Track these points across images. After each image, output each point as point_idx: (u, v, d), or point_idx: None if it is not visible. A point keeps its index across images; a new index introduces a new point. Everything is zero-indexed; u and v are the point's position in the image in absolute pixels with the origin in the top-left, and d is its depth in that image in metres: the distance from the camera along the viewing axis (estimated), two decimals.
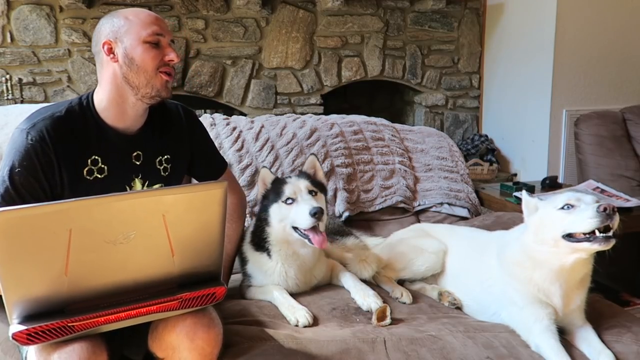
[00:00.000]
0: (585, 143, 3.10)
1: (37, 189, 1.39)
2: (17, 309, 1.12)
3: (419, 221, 2.40)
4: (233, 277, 1.88)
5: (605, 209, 1.43)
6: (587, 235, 1.45)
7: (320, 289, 1.83)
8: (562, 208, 1.51)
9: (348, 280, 1.81)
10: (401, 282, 1.90)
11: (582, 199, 1.51)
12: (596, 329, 1.57)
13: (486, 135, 4.25)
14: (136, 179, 1.52)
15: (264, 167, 1.92)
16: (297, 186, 1.71)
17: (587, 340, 1.53)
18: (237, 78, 3.88)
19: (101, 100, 1.48)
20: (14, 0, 3.46)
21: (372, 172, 2.47)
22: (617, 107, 3.35)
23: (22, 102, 3.47)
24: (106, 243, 1.12)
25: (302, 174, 1.80)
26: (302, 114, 3.18)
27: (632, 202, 2.46)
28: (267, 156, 2.32)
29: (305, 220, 1.63)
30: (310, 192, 1.71)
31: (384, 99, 4.72)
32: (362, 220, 2.39)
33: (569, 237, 1.48)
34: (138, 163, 1.52)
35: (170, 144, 1.60)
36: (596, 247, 1.45)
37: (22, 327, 1.12)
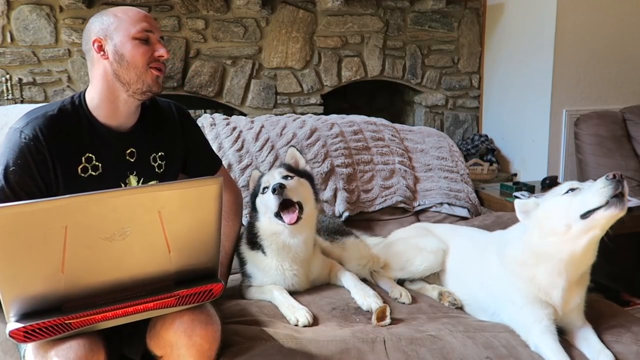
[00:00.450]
0: (585, 143, 3.10)
1: (32, 188, 1.39)
2: (14, 306, 1.12)
3: (418, 221, 2.40)
4: (232, 277, 1.88)
5: (614, 176, 1.39)
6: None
7: (320, 289, 1.83)
8: (566, 193, 1.49)
9: (348, 280, 1.81)
10: (401, 282, 1.90)
11: (581, 184, 1.49)
12: (596, 329, 1.56)
13: (486, 135, 4.25)
14: (131, 176, 1.53)
15: (254, 169, 1.95)
16: (271, 175, 1.76)
17: (587, 340, 1.52)
18: (237, 78, 3.88)
19: (93, 98, 1.49)
20: (14, 0, 3.45)
21: (372, 172, 2.47)
22: (617, 107, 3.35)
23: (22, 102, 3.47)
24: (102, 240, 1.12)
25: (282, 165, 1.84)
26: (302, 114, 3.18)
27: (632, 202, 2.46)
28: (267, 156, 2.32)
29: (272, 201, 1.65)
30: (284, 177, 1.73)
31: (384, 99, 4.71)
32: (362, 220, 2.39)
33: (583, 217, 1.43)
34: (132, 160, 1.53)
35: (164, 141, 1.61)
36: (612, 211, 1.39)
37: (19, 325, 1.12)
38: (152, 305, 1.23)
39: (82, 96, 1.51)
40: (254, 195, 1.80)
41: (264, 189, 1.73)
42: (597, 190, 1.41)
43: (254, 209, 1.80)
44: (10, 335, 1.13)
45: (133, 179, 1.53)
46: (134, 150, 1.54)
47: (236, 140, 2.35)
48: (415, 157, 2.60)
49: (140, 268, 1.21)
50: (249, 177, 2.25)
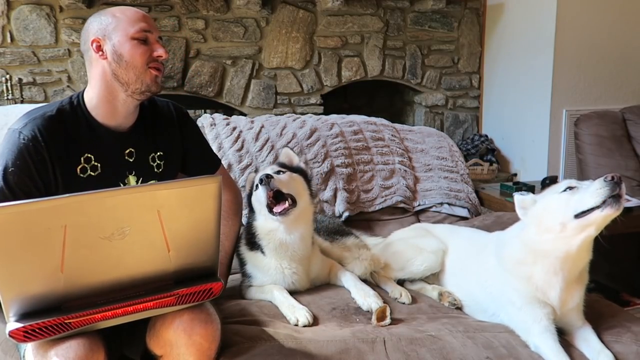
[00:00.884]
0: (585, 143, 3.10)
1: (32, 188, 1.39)
2: (13, 306, 1.12)
3: (419, 221, 2.40)
4: (232, 277, 1.88)
5: (612, 178, 1.39)
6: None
7: (320, 289, 1.83)
8: (564, 191, 1.49)
9: (348, 280, 1.81)
10: (401, 282, 1.90)
11: (580, 183, 1.49)
12: (596, 329, 1.56)
13: (486, 135, 4.25)
14: (130, 176, 1.53)
15: (250, 173, 1.95)
16: (263, 171, 1.75)
17: (587, 340, 1.52)
18: (237, 78, 3.88)
19: (91, 98, 1.49)
20: (14, 0, 3.46)
21: (372, 172, 2.47)
22: (617, 107, 3.35)
23: (22, 102, 3.47)
24: (101, 239, 1.12)
25: (275, 163, 1.85)
26: (302, 114, 3.18)
27: (632, 202, 2.46)
28: (267, 156, 2.32)
29: (261, 193, 1.67)
30: (277, 172, 1.74)
31: (384, 99, 4.72)
32: (362, 220, 2.39)
33: (578, 216, 1.43)
34: (131, 160, 1.53)
35: (163, 141, 1.61)
36: (607, 211, 1.38)
37: (19, 325, 1.12)
38: (151, 304, 1.23)
39: (80, 96, 1.51)
40: (249, 195, 1.81)
41: (256, 185, 1.73)
42: (594, 191, 1.42)
43: (251, 210, 1.80)
44: (9, 335, 1.13)
45: (132, 179, 1.53)
46: (132, 150, 1.54)
47: (236, 140, 2.35)
48: (415, 157, 2.60)
49: (139, 267, 1.21)
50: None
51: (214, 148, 2.20)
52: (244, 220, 1.90)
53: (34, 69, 3.54)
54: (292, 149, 1.94)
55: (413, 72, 4.23)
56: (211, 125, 2.42)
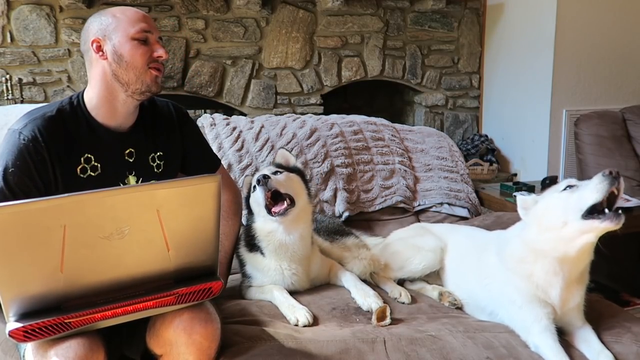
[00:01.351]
0: (585, 143, 3.10)
1: (32, 189, 1.39)
2: (13, 306, 1.12)
3: (419, 221, 2.40)
4: (232, 277, 1.88)
5: (610, 172, 1.39)
6: (598, 216, 1.40)
7: (320, 289, 1.83)
8: (564, 190, 1.49)
9: (348, 280, 1.81)
10: (401, 282, 1.90)
11: (580, 182, 1.50)
12: (596, 329, 1.56)
13: (486, 135, 4.25)
14: (130, 176, 1.53)
15: (246, 176, 1.95)
16: (261, 172, 1.75)
17: (587, 340, 1.52)
18: (237, 78, 3.88)
19: (91, 98, 1.49)
20: (14, 0, 3.46)
21: (372, 172, 2.47)
22: (617, 107, 3.35)
23: (22, 102, 3.47)
24: (101, 239, 1.12)
25: (271, 163, 1.85)
26: (302, 114, 3.18)
27: (632, 202, 2.46)
28: (267, 156, 2.32)
29: (259, 193, 1.67)
30: (274, 173, 1.74)
31: (384, 99, 4.72)
32: (362, 220, 2.39)
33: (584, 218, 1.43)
34: (131, 160, 1.53)
35: (162, 141, 1.61)
36: (607, 224, 1.39)
37: (19, 325, 1.12)
38: (151, 303, 1.23)
39: (80, 96, 1.51)
40: (247, 197, 1.80)
41: (254, 187, 1.73)
42: (594, 187, 1.42)
43: (249, 212, 1.80)
44: (9, 335, 1.13)
45: (132, 179, 1.53)
46: (132, 150, 1.54)
47: (236, 140, 2.35)
48: (415, 157, 2.60)
49: (139, 267, 1.21)
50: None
51: (214, 148, 2.20)
52: (244, 221, 1.90)
53: (34, 69, 3.54)
54: (288, 149, 1.94)
55: (413, 72, 4.23)
56: (211, 125, 2.42)
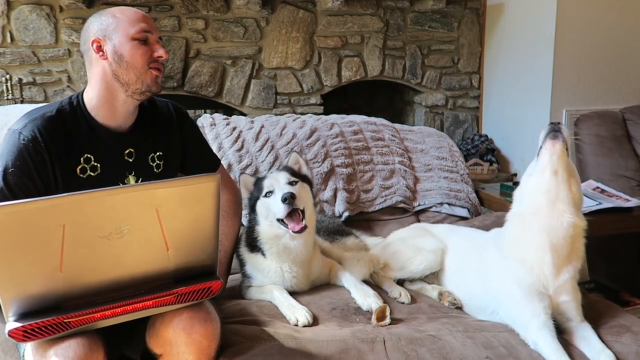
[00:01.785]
0: (585, 143, 3.09)
1: (32, 189, 1.39)
2: (12, 306, 1.12)
3: (419, 221, 2.40)
4: (232, 277, 1.88)
5: (551, 123, 1.60)
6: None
7: (320, 289, 1.83)
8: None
9: (348, 280, 1.81)
10: (401, 282, 1.90)
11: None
12: (596, 329, 1.56)
13: (486, 135, 4.25)
14: (130, 176, 1.53)
15: (242, 173, 1.94)
16: (275, 178, 1.75)
17: (587, 340, 1.52)
18: (237, 78, 3.88)
19: (91, 98, 1.49)
20: (14, 0, 3.46)
21: (372, 172, 2.47)
22: (617, 107, 3.34)
23: (22, 102, 3.47)
24: (100, 238, 1.12)
25: (284, 168, 1.83)
26: (302, 114, 3.18)
27: (632, 202, 2.45)
28: (267, 156, 2.32)
29: (279, 208, 1.66)
30: (290, 182, 1.73)
31: (384, 99, 4.71)
32: (362, 220, 2.39)
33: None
34: (131, 160, 1.54)
35: (162, 141, 1.62)
36: (547, 145, 1.58)
37: (18, 324, 1.12)
38: (151, 303, 1.23)
39: (80, 97, 1.51)
40: (253, 199, 1.79)
41: (268, 192, 1.72)
42: (540, 141, 1.61)
43: (252, 212, 1.79)
44: (9, 335, 1.13)
45: (132, 179, 1.53)
46: (132, 150, 1.54)
47: (236, 140, 2.35)
48: (415, 157, 2.60)
49: (138, 266, 1.21)
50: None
51: (214, 148, 2.20)
52: (245, 220, 1.90)
53: (34, 69, 3.54)
54: (300, 154, 1.94)
55: (413, 72, 4.23)
56: (211, 125, 2.42)
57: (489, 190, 2.93)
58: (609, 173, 2.98)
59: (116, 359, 1.42)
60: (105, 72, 1.46)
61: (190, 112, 3.16)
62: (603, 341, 1.52)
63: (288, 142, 2.37)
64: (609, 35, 3.70)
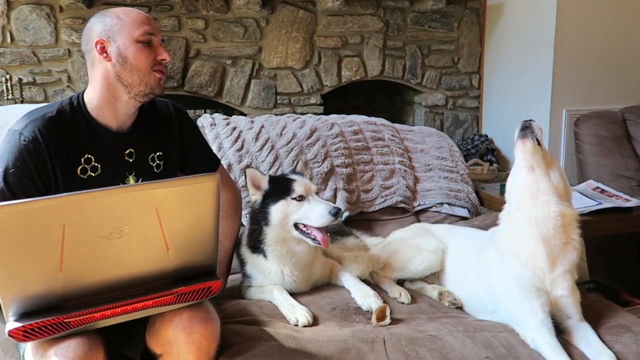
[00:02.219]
0: (585, 143, 3.09)
1: (32, 189, 1.39)
2: (12, 306, 1.12)
3: (419, 221, 2.40)
4: (232, 277, 1.88)
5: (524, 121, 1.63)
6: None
7: (320, 289, 1.83)
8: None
9: (348, 280, 1.81)
10: (401, 282, 1.90)
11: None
12: (596, 329, 1.56)
13: (486, 135, 4.25)
14: (130, 176, 1.53)
15: (249, 167, 1.92)
16: (307, 185, 1.73)
17: (587, 340, 1.52)
18: (237, 78, 3.88)
19: (92, 99, 1.49)
20: (14, 0, 3.46)
21: (372, 172, 2.47)
22: (617, 107, 3.34)
23: (22, 102, 3.47)
24: (100, 238, 1.12)
25: (294, 173, 1.81)
26: (302, 114, 3.18)
27: (632, 202, 2.45)
28: (267, 156, 2.32)
29: (322, 219, 1.66)
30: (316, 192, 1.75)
31: (384, 99, 4.72)
32: (362, 220, 2.39)
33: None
34: (131, 160, 1.53)
35: (162, 141, 1.61)
36: (519, 143, 1.62)
37: (18, 324, 1.12)
38: (151, 303, 1.23)
39: (80, 97, 1.50)
40: (268, 197, 1.73)
41: (300, 196, 1.69)
42: (514, 139, 1.64)
43: (263, 210, 1.73)
44: (9, 335, 1.13)
45: (132, 179, 1.53)
46: (132, 150, 1.54)
47: (236, 140, 2.35)
48: (415, 157, 2.60)
49: (138, 266, 1.21)
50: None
51: (214, 148, 2.20)
52: (246, 220, 1.89)
53: (34, 69, 3.54)
54: (306, 162, 1.94)
55: (413, 72, 4.23)
56: (211, 125, 2.42)
57: (489, 190, 2.93)
58: (609, 173, 2.98)
59: (116, 359, 1.42)
60: (108, 74, 1.46)
61: (190, 112, 3.16)
62: (603, 341, 1.52)
63: (288, 142, 2.37)
64: (609, 35, 3.70)
